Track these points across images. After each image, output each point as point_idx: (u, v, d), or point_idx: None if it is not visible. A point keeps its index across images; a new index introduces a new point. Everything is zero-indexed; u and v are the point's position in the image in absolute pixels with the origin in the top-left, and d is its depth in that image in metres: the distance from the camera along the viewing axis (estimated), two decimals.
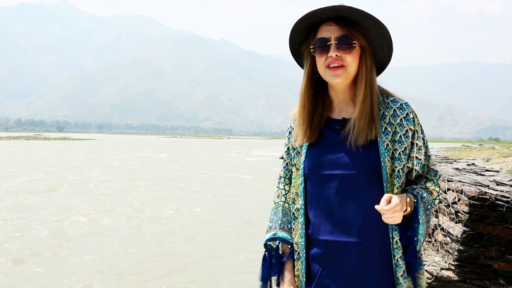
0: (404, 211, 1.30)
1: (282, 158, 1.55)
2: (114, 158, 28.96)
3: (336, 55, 1.35)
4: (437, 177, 1.44)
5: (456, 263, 2.78)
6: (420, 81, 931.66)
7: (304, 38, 1.45)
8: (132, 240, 7.03)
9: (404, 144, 1.38)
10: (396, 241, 1.35)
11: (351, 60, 1.37)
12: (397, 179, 1.36)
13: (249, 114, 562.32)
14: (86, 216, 8.81)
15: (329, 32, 1.37)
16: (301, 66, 1.51)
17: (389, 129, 1.38)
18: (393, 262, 1.35)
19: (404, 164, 1.38)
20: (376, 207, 1.24)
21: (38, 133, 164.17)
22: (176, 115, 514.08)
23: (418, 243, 1.37)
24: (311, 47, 1.41)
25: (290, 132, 1.54)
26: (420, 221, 1.35)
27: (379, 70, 1.48)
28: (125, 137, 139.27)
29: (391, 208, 1.23)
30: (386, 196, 1.27)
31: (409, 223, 1.36)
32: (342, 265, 1.37)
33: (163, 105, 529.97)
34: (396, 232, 1.35)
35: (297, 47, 1.48)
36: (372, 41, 1.41)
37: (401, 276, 1.35)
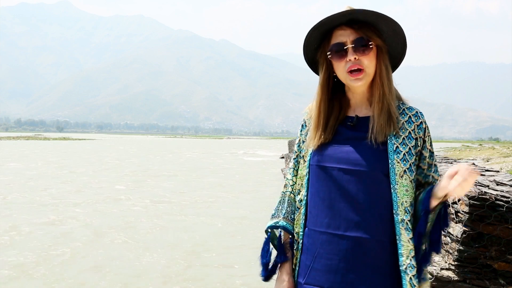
0: (444, 197, 1.31)
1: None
2: (157, 156, 32.86)
3: (355, 58, 1.36)
4: None
5: (456, 263, 2.78)
6: (420, 81, 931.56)
7: (318, 45, 1.45)
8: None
9: (415, 150, 1.40)
10: (409, 240, 1.34)
11: (369, 62, 1.38)
12: (405, 181, 1.36)
13: (249, 114, 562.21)
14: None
15: (344, 36, 1.38)
16: (317, 73, 1.52)
17: (401, 134, 1.39)
18: (406, 262, 1.33)
19: (413, 170, 1.39)
20: (456, 172, 1.25)
21: (38, 133, 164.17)
22: (176, 115, 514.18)
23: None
24: (328, 53, 1.42)
25: (302, 126, 1.56)
26: (447, 211, 1.35)
27: (393, 67, 1.49)
28: (125, 137, 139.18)
29: (470, 170, 1.22)
30: (451, 171, 1.26)
31: (429, 224, 1.35)
32: (336, 259, 1.36)
33: (163, 105, 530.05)
34: (408, 232, 1.34)
35: (313, 55, 1.49)
36: (386, 39, 1.42)
37: (414, 276, 1.33)
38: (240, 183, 16.06)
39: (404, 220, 1.33)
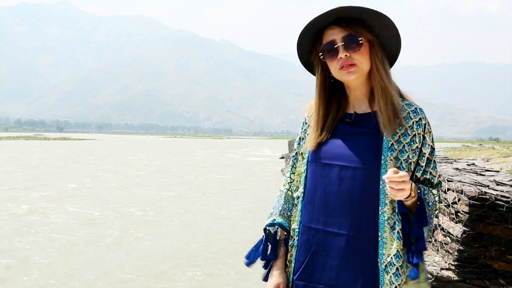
0: (410, 196, 1.29)
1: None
2: (178, 156, 34.38)
3: (346, 55, 1.36)
4: (438, 187, 1.43)
5: (456, 263, 2.78)
6: (420, 81, 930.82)
7: (311, 47, 1.46)
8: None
9: (411, 147, 1.38)
10: (398, 231, 1.33)
11: (361, 57, 1.37)
12: None
13: (249, 114, 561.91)
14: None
15: (334, 35, 1.39)
16: (315, 75, 1.52)
17: (397, 131, 1.38)
18: (386, 260, 1.33)
19: (408, 167, 1.37)
20: (384, 176, 1.25)
21: (38, 133, 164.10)
22: (176, 115, 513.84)
23: (425, 231, 1.36)
24: (320, 54, 1.42)
25: (303, 123, 1.57)
26: (426, 209, 1.34)
27: (391, 61, 1.48)
28: (125, 137, 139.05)
29: (400, 177, 1.22)
30: (393, 168, 1.26)
31: (415, 215, 1.34)
32: (331, 256, 1.37)
33: (163, 105, 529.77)
34: (394, 230, 1.33)
35: (307, 57, 1.50)
36: (378, 34, 1.41)
37: (393, 274, 1.33)
38: (252, 179, 17.48)
39: (392, 218, 1.32)
